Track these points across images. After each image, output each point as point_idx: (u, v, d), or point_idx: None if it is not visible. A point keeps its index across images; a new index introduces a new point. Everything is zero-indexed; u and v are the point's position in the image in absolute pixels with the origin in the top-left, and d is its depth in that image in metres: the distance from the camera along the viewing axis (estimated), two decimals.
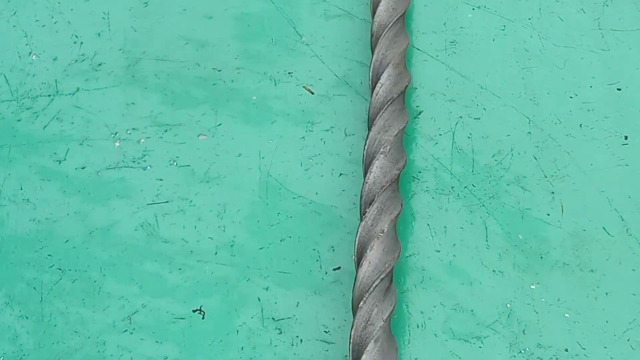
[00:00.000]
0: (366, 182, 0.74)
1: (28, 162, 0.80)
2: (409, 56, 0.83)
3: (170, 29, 0.85)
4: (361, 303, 0.68)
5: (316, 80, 0.82)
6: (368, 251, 0.70)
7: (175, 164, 0.80)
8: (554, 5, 0.84)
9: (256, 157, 0.80)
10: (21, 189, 0.79)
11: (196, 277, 0.75)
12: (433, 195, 0.77)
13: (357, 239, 0.71)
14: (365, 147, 0.75)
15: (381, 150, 0.74)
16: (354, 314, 0.69)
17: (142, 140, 0.81)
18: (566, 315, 0.73)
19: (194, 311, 0.74)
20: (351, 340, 0.68)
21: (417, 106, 0.81)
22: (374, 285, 0.69)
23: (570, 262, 0.74)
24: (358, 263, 0.71)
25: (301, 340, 0.73)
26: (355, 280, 0.70)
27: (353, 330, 0.68)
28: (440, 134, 0.79)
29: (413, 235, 0.76)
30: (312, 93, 0.82)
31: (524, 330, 0.72)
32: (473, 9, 0.85)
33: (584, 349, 0.71)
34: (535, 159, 0.78)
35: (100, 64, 0.84)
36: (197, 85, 0.83)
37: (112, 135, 0.81)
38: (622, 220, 0.75)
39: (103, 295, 0.75)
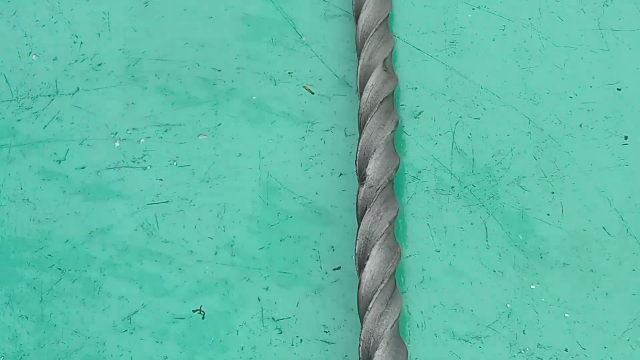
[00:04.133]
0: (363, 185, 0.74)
1: (28, 162, 0.80)
2: (409, 56, 0.83)
3: (170, 29, 0.85)
4: (368, 307, 0.68)
5: (316, 80, 0.82)
6: (368, 259, 0.70)
7: (175, 164, 0.80)
8: (554, 5, 0.84)
9: (256, 157, 0.80)
10: (21, 189, 0.79)
11: (196, 277, 0.75)
12: (433, 195, 0.77)
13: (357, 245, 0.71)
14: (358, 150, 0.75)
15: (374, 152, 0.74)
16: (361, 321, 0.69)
17: (142, 140, 0.81)
18: (566, 315, 0.73)
19: (194, 311, 0.74)
20: (360, 345, 0.68)
21: (417, 106, 0.81)
22: (377, 290, 0.68)
23: (570, 262, 0.74)
24: (359, 270, 0.70)
25: (301, 340, 0.73)
26: (358, 287, 0.70)
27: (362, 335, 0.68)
28: (440, 134, 0.79)
29: (413, 235, 0.76)
30: (312, 93, 0.82)
31: (524, 330, 0.72)
32: (473, 9, 0.85)
33: (584, 349, 0.71)
34: (535, 159, 0.78)
35: (100, 64, 0.84)
36: (197, 85, 0.83)
37: (112, 135, 0.81)
38: (622, 220, 0.75)
39: (103, 295, 0.75)
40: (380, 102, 0.75)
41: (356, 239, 0.71)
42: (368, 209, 0.72)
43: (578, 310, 0.73)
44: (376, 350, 0.67)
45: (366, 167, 0.73)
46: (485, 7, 0.85)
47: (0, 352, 0.74)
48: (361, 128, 0.75)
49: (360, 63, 0.78)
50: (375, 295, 0.68)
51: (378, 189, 0.72)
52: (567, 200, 0.76)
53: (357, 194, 0.73)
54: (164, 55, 0.84)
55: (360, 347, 0.68)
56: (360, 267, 0.70)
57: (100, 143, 0.81)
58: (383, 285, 0.69)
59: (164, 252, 0.76)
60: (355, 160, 0.74)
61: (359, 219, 0.72)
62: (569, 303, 0.73)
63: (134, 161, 0.80)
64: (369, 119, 0.75)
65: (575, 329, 0.72)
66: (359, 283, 0.70)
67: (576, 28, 0.83)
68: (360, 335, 0.68)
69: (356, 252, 0.71)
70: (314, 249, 0.76)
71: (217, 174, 0.79)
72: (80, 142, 0.81)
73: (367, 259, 0.70)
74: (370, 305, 0.68)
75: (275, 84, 0.82)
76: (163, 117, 0.82)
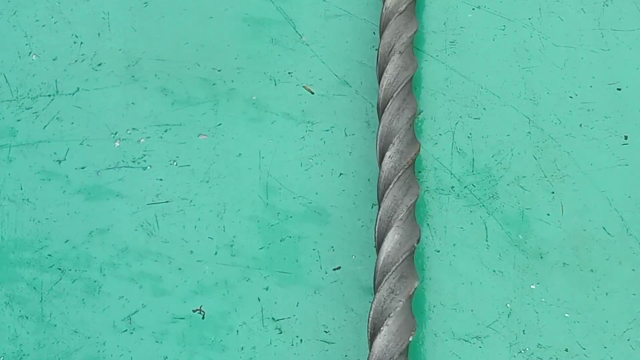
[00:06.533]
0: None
1: (28, 162, 0.80)
2: None
3: (170, 29, 0.85)
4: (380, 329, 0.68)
5: (316, 80, 0.82)
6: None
7: (175, 164, 0.80)
8: (554, 5, 0.84)
9: (256, 157, 0.80)
10: (21, 189, 0.79)
11: (196, 277, 0.75)
12: (433, 195, 0.77)
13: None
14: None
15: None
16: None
17: (142, 140, 0.81)
18: (566, 315, 0.73)
19: (194, 311, 0.74)
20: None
21: (417, 106, 0.80)
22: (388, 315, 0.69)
23: (570, 262, 0.74)
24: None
25: (301, 340, 0.73)
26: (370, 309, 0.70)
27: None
28: (440, 134, 0.79)
29: None
30: (312, 93, 0.82)
31: (524, 330, 0.72)
32: (473, 9, 0.85)
33: (584, 349, 0.71)
34: (535, 159, 0.78)
35: (100, 64, 0.84)
36: (197, 85, 0.83)
37: (112, 135, 0.81)
38: (622, 220, 0.75)
39: (103, 295, 0.75)
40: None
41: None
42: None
43: (578, 310, 0.73)
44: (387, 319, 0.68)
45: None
46: (485, 7, 0.85)
47: (0, 352, 0.74)
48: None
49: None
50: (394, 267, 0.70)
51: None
52: (567, 200, 0.76)
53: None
54: (164, 55, 0.84)
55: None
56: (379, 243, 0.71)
57: (100, 143, 0.81)
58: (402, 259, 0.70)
59: (164, 252, 0.76)
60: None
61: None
62: (569, 303, 0.73)
63: (134, 161, 0.80)
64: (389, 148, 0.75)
65: (575, 329, 0.72)
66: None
67: (576, 28, 0.83)
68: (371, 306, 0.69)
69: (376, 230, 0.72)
70: (314, 249, 0.76)
71: (217, 174, 0.79)
72: (80, 142, 0.81)
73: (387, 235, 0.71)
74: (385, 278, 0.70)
75: (275, 84, 0.82)
76: (163, 117, 0.82)
